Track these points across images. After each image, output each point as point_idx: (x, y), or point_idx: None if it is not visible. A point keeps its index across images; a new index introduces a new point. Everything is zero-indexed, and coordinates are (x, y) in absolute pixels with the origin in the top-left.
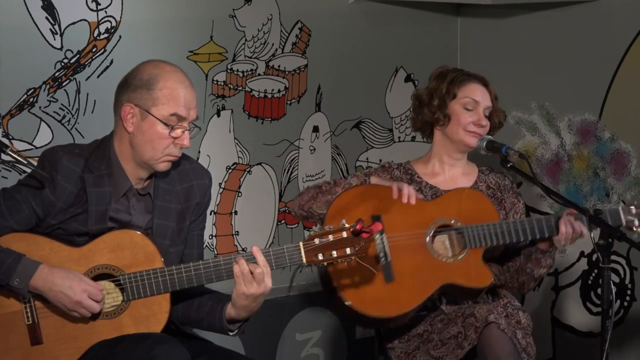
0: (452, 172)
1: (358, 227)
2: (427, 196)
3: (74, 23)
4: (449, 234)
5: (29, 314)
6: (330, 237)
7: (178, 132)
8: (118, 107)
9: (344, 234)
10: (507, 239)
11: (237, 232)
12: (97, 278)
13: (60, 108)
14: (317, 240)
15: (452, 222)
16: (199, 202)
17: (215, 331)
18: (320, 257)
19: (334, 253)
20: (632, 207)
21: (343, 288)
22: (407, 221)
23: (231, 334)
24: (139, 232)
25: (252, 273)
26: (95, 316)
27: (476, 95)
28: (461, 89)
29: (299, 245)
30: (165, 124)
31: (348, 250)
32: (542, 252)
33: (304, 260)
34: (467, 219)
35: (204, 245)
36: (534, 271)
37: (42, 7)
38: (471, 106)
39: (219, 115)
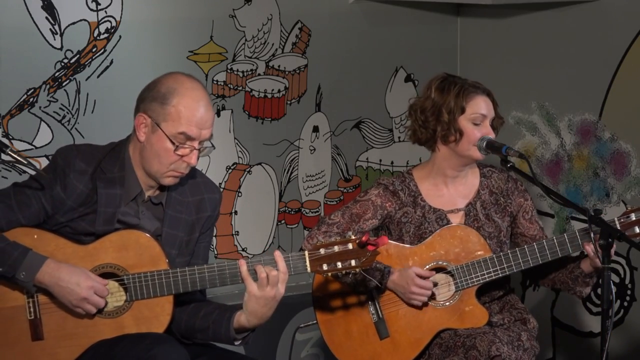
0: (455, 185)
1: (364, 238)
2: (430, 220)
3: (74, 23)
4: (439, 277)
5: (32, 310)
6: (336, 248)
7: (185, 150)
8: (135, 114)
9: (350, 246)
10: (500, 273)
11: (237, 232)
12: (101, 277)
13: (60, 108)
14: (322, 251)
15: (444, 263)
16: (210, 216)
17: (220, 340)
18: (325, 267)
19: (339, 264)
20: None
21: (338, 348)
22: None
23: (236, 343)
24: (145, 233)
25: (267, 276)
26: (97, 314)
27: (483, 109)
28: (469, 104)
29: (304, 255)
30: (172, 142)
31: (353, 262)
32: (589, 275)
33: (309, 269)
34: (457, 257)
35: None
36: (582, 291)
37: (42, 7)
38: (479, 121)
39: (219, 115)
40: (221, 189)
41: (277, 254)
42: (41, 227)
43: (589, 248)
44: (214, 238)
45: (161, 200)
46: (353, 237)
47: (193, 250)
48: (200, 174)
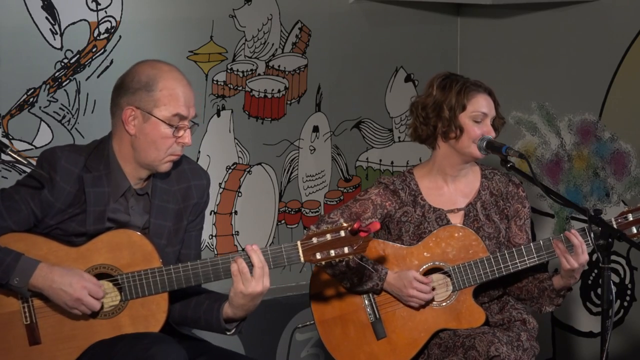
0: (455, 185)
1: (356, 225)
2: (430, 219)
3: (74, 23)
4: (436, 277)
5: (27, 314)
6: (328, 236)
7: (181, 131)
8: (116, 110)
9: (342, 233)
10: (497, 273)
11: (237, 232)
12: (95, 277)
13: (60, 108)
14: (315, 239)
15: (441, 264)
16: (197, 203)
17: (213, 330)
18: (319, 256)
19: (332, 252)
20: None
21: (335, 349)
22: (393, 270)
23: (229, 333)
24: (137, 232)
25: (251, 271)
26: (93, 315)
27: (484, 107)
28: (470, 102)
29: (296, 244)
30: (169, 125)
31: (346, 250)
32: (556, 292)
33: (302, 259)
34: (454, 258)
35: (204, 246)
36: (543, 307)
37: (42, 7)
38: (480, 118)
39: (219, 115)
40: (221, 189)
41: (249, 248)
42: (32, 232)
43: (558, 248)
44: (214, 238)
45: (147, 191)
46: (345, 225)
47: (182, 240)
48: (187, 160)
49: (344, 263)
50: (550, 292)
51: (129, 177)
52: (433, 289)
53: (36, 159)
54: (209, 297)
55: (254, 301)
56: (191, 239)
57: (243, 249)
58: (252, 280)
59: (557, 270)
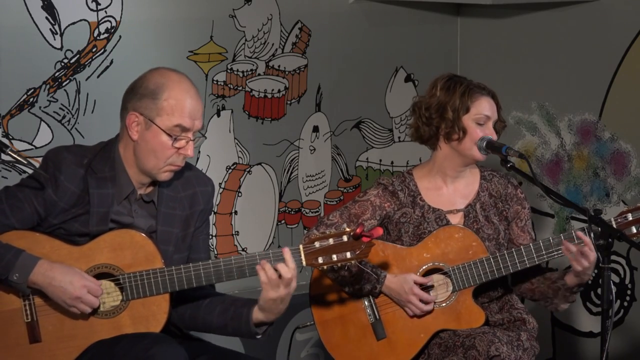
0: (454, 186)
1: (358, 230)
2: (429, 220)
3: (74, 23)
4: (436, 278)
5: (29, 312)
6: (331, 241)
7: (182, 142)
8: (124, 114)
9: (344, 238)
10: (497, 273)
11: (237, 232)
12: (96, 277)
13: (60, 108)
14: (317, 244)
15: (441, 264)
16: (203, 209)
17: (242, 336)
18: (321, 260)
19: (334, 257)
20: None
21: (335, 349)
22: (392, 271)
23: (258, 337)
24: (140, 232)
25: (279, 276)
26: (94, 315)
27: (487, 110)
28: (474, 104)
29: (299, 248)
30: (169, 135)
31: (348, 254)
32: (570, 290)
33: (304, 263)
34: (454, 258)
35: None
36: (559, 305)
37: (42, 7)
38: (483, 121)
39: (219, 115)
40: (221, 189)
41: (286, 251)
42: (35, 230)
43: (566, 247)
44: (214, 238)
45: (152, 198)
46: (347, 230)
47: (190, 245)
48: (191, 166)
49: (345, 268)
50: (564, 290)
51: (132, 181)
52: (432, 286)
53: (39, 158)
54: (234, 304)
55: (283, 302)
56: (199, 244)
57: (244, 249)
58: (280, 285)
59: (566, 268)
